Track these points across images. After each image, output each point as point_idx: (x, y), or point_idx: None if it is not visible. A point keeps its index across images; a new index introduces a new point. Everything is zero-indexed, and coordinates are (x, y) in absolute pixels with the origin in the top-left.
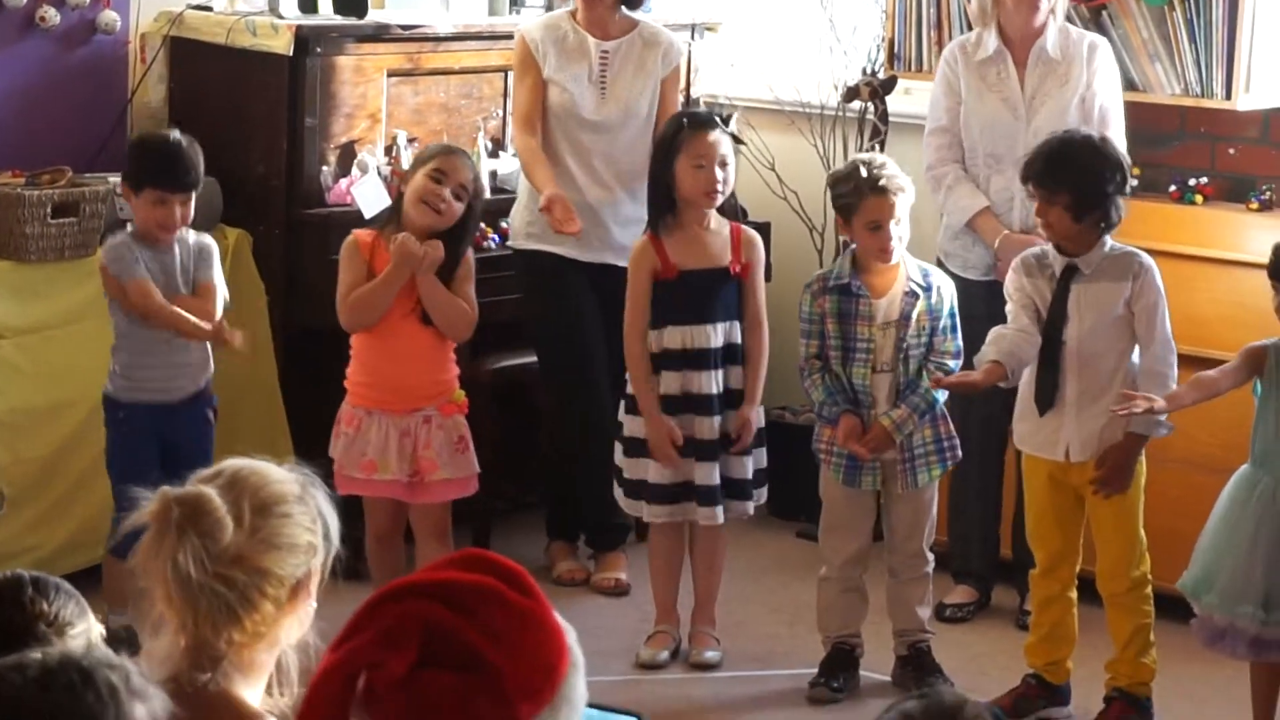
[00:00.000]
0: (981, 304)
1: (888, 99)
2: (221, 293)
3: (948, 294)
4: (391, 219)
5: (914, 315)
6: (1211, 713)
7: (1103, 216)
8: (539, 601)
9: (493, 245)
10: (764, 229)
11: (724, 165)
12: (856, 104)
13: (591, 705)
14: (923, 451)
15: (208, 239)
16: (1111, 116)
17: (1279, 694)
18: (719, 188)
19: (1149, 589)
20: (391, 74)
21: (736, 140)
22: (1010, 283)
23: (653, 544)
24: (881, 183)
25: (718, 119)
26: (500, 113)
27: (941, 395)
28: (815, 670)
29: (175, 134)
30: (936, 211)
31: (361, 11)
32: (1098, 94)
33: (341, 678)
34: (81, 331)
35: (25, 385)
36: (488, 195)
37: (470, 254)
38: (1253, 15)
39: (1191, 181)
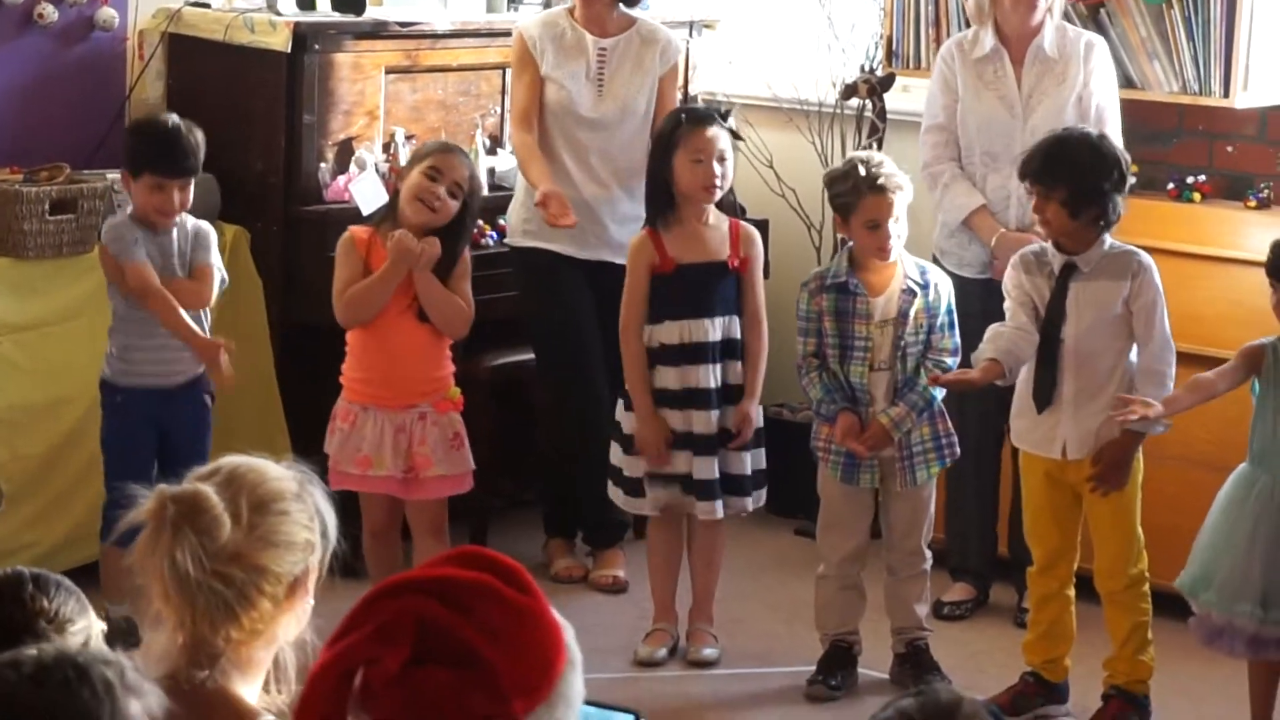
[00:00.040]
0: (977, 302)
1: (886, 96)
2: (219, 274)
3: (945, 291)
4: (388, 216)
5: (911, 313)
6: (1209, 711)
7: (1100, 213)
8: (536, 599)
9: (491, 242)
10: (762, 226)
11: (722, 160)
12: (854, 101)
13: (589, 702)
14: (921, 449)
15: (205, 224)
16: (1108, 116)
17: (1276, 692)
18: (717, 182)
19: (1146, 587)
20: (389, 71)
21: (735, 135)
22: (1009, 280)
23: (651, 541)
24: (880, 181)
25: (716, 114)
26: (498, 110)
27: (939, 393)
28: (813, 668)
29: (173, 119)
30: (933, 209)
31: (359, 8)
32: (1094, 93)
33: (338, 674)
34: (79, 328)
35: (23, 382)
36: (485, 193)
37: (467, 251)
38: (1250, 13)
39: (1189, 179)
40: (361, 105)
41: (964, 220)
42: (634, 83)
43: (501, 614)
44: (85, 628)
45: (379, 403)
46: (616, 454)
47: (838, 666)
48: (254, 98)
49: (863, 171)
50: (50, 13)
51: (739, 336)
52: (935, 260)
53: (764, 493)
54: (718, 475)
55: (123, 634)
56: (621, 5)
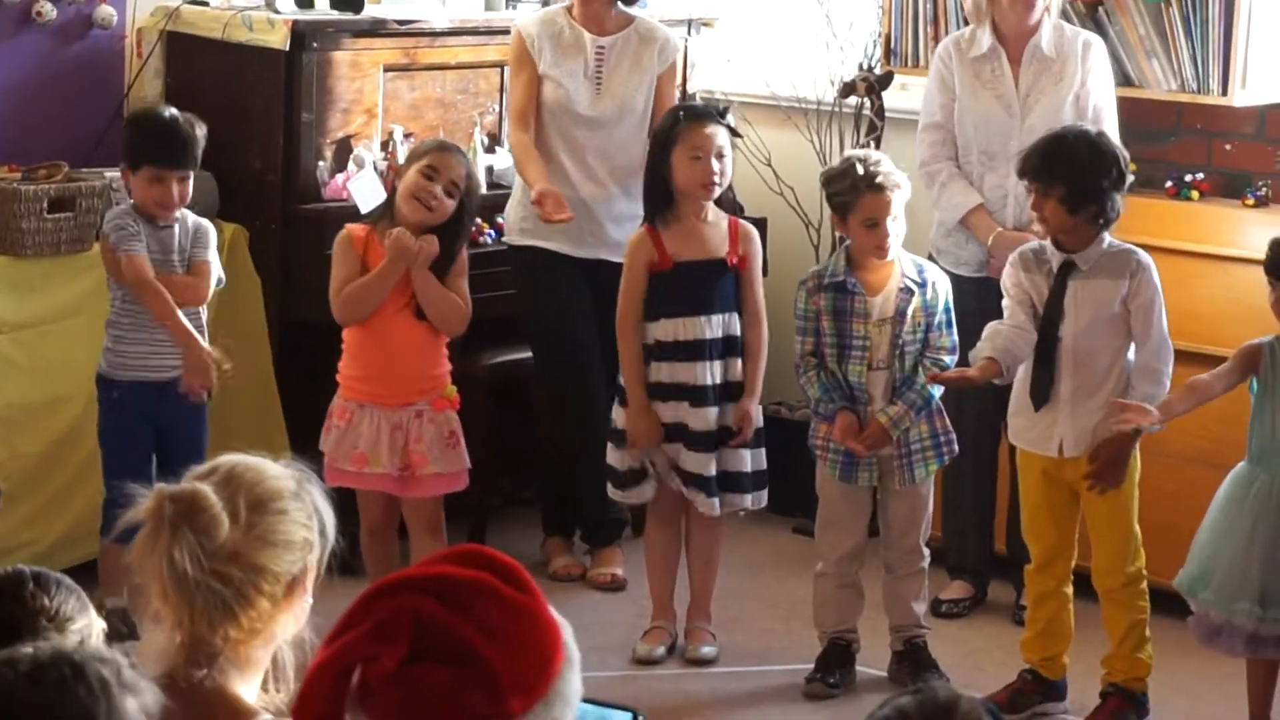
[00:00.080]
0: (974, 300)
1: (884, 94)
2: (216, 272)
3: (943, 290)
4: (385, 214)
5: (909, 311)
6: (1207, 708)
7: (1099, 211)
8: (534, 597)
9: (489, 241)
10: (760, 224)
11: (721, 157)
12: (853, 99)
13: (587, 700)
14: (919, 447)
15: (206, 222)
16: (1105, 115)
17: (1274, 689)
18: (716, 179)
19: (1144, 584)
20: (388, 69)
21: (734, 133)
22: (1007, 277)
23: (649, 539)
24: (878, 180)
25: (715, 111)
26: (496, 108)
27: (937, 390)
28: (811, 666)
29: (171, 111)
30: (930, 208)
31: (358, 6)
32: (1092, 92)
33: (335, 672)
34: (78, 326)
35: (21, 380)
36: (483, 191)
37: (464, 249)
38: (1249, 11)
39: (1188, 177)
40: (360, 103)
41: (961, 219)
42: (632, 81)
43: (499, 612)
44: (86, 626)
45: (376, 400)
46: (611, 453)
47: (836, 664)
48: (252, 96)
49: (861, 170)
50: (49, 10)
51: (739, 334)
52: (932, 259)
53: (765, 494)
54: (714, 472)
55: (118, 627)
56: (620, 3)
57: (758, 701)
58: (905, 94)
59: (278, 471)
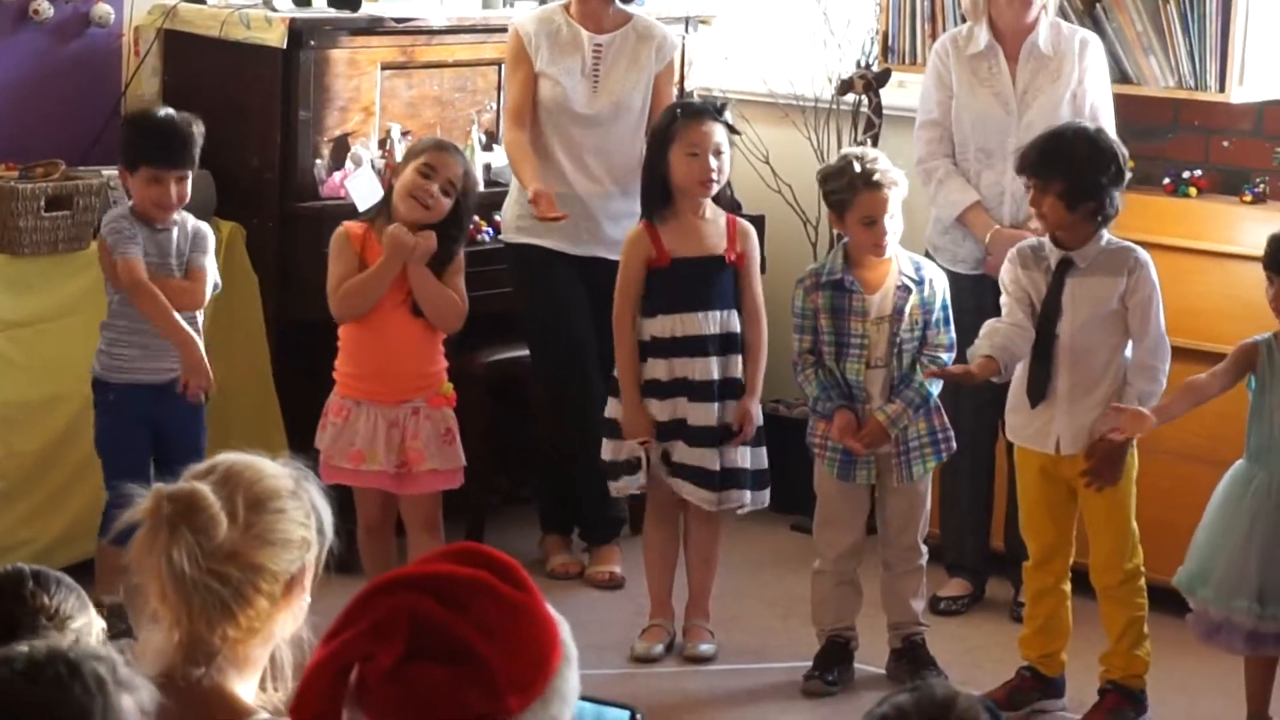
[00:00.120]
0: (970, 298)
1: (881, 92)
2: (213, 278)
3: (940, 287)
4: (382, 212)
5: (907, 309)
6: (1205, 705)
7: (1098, 207)
8: (532, 595)
9: (486, 239)
10: (758, 222)
11: (718, 154)
12: (850, 97)
13: (585, 698)
14: (918, 444)
15: (205, 226)
16: (1102, 114)
17: (1272, 686)
18: (713, 177)
19: (1142, 581)
20: (385, 67)
21: (732, 130)
22: (1005, 274)
23: (647, 537)
24: (875, 177)
25: (713, 109)
26: (494, 106)
27: (935, 388)
28: (810, 663)
29: (168, 110)
30: (927, 205)
31: (355, 4)
32: (1089, 91)
33: (333, 671)
34: (75, 324)
35: (19, 378)
36: (481, 189)
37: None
38: (1246, 8)
39: (1185, 174)
40: (357, 101)
41: (958, 216)
42: (629, 79)
43: (497, 611)
44: (85, 624)
45: (372, 397)
46: (605, 444)
47: (834, 662)
48: (249, 94)
49: (858, 168)
50: (46, 9)
51: (738, 330)
52: (928, 256)
53: (767, 493)
54: (718, 467)
55: (116, 623)
56: (618, 1)
57: (756, 699)
58: (903, 91)
59: (276, 470)
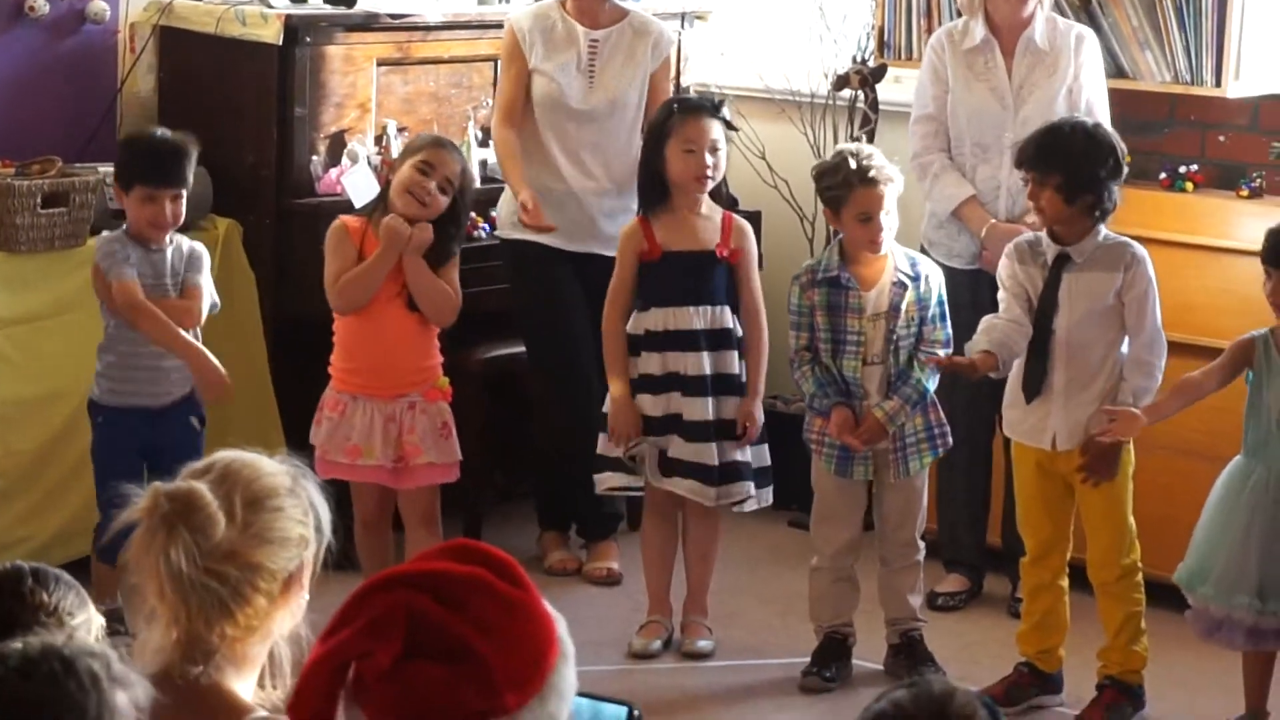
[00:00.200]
0: (966, 293)
1: (878, 87)
2: (210, 297)
3: (936, 283)
4: (379, 207)
5: (903, 306)
6: (1203, 700)
7: (1096, 201)
8: (529, 592)
9: (483, 235)
10: (755, 218)
11: (714, 151)
12: (846, 92)
13: (583, 695)
14: (914, 440)
15: (200, 246)
16: (1098, 109)
17: (1270, 681)
18: (709, 173)
19: (1139, 577)
20: (381, 63)
21: (730, 126)
22: (1003, 270)
23: (645, 534)
24: (871, 174)
25: (710, 105)
26: (490, 102)
27: (932, 384)
28: (808, 660)
29: (163, 131)
30: (922, 200)
31: (350, 1)
32: (1084, 86)
33: (330, 669)
34: (72, 322)
35: (16, 376)
36: (477, 185)
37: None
38: (1242, 3)
39: (1182, 169)
40: (353, 98)
41: (954, 211)
42: (625, 75)
43: (494, 608)
44: (85, 621)
45: (368, 392)
46: (601, 440)
47: (832, 658)
48: (245, 90)
49: (853, 164)
50: (41, 5)
51: (730, 326)
52: (924, 251)
53: (769, 491)
54: (716, 462)
55: (115, 625)
56: None
57: (754, 695)
58: (899, 86)
59: (273, 468)
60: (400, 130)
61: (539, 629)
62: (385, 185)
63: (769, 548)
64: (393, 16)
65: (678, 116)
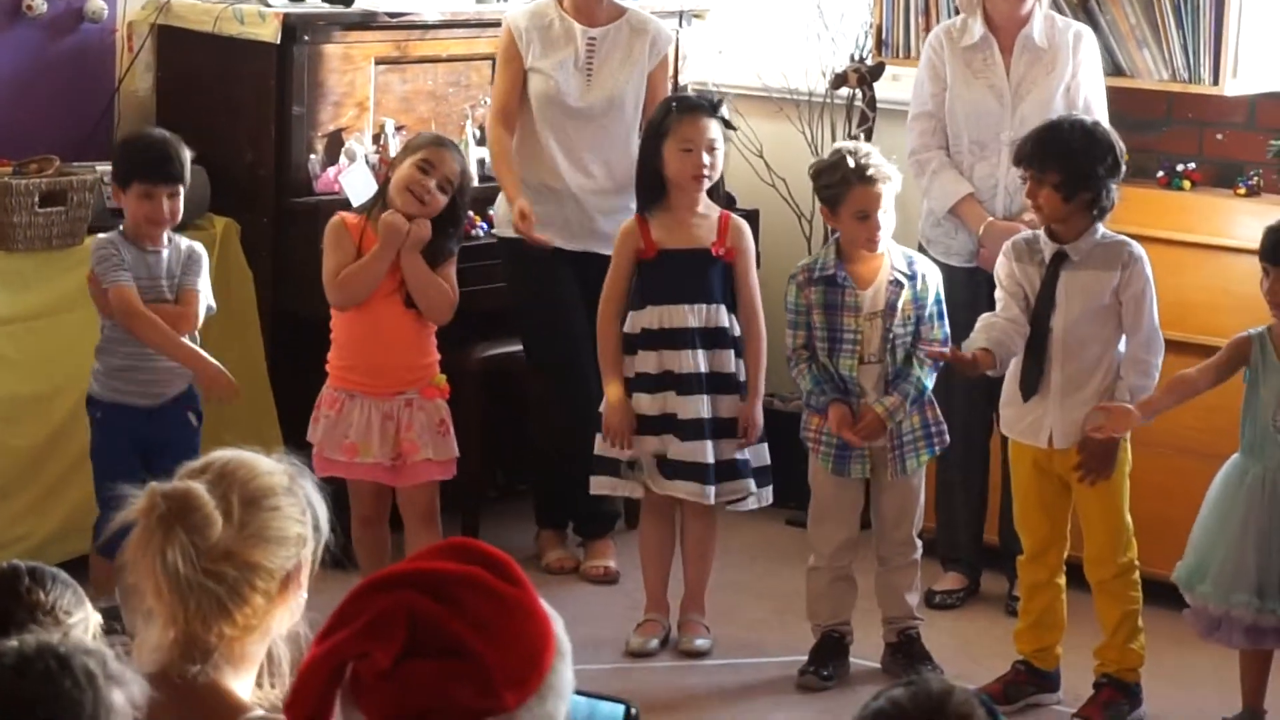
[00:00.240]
0: (964, 290)
1: (876, 86)
2: (206, 300)
3: (933, 282)
4: (377, 205)
5: (899, 305)
6: (1200, 698)
7: (1094, 199)
8: (525, 590)
9: (481, 233)
10: (752, 216)
11: (712, 150)
12: (844, 91)
13: (581, 693)
14: (911, 438)
15: (199, 247)
16: (1096, 108)
17: (1267, 679)
18: (706, 172)
19: (1136, 575)
20: (379, 62)
21: (728, 125)
22: (1000, 268)
23: (643, 532)
24: (870, 172)
25: (708, 104)
26: (488, 101)
27: (930, 381)
28: (805, 658)
29: (160, 130)
30: (920, 197)
31: None
32: (1082, 84)
33: (328, 669)
34: (70, 320)
35: (14, 374)
36: (475, 183)
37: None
38: (1240, 1)
39: (1179, 167)
40: (351, 96)
41: (951, 208)
42: (622, 73)
43: (490, 606)
44: (82, 620)
45: (365, 390)
46: (599, 442)
47: (829, 656)
48: (243, 89)
49: (851, 163)
50: (39, 4)
51: (726, 325)
52: (921, 249)
53: (769, 490)
54: (712, 460)
55: (112, 624)
56: None
57: (751, 694)
58: (897, 85)
59: (270, 467)
60: (398, 129)
61: (536, 627)
62: (383, 183)
63: (766, 546)
64: (391, 15)
65: (675, 115)
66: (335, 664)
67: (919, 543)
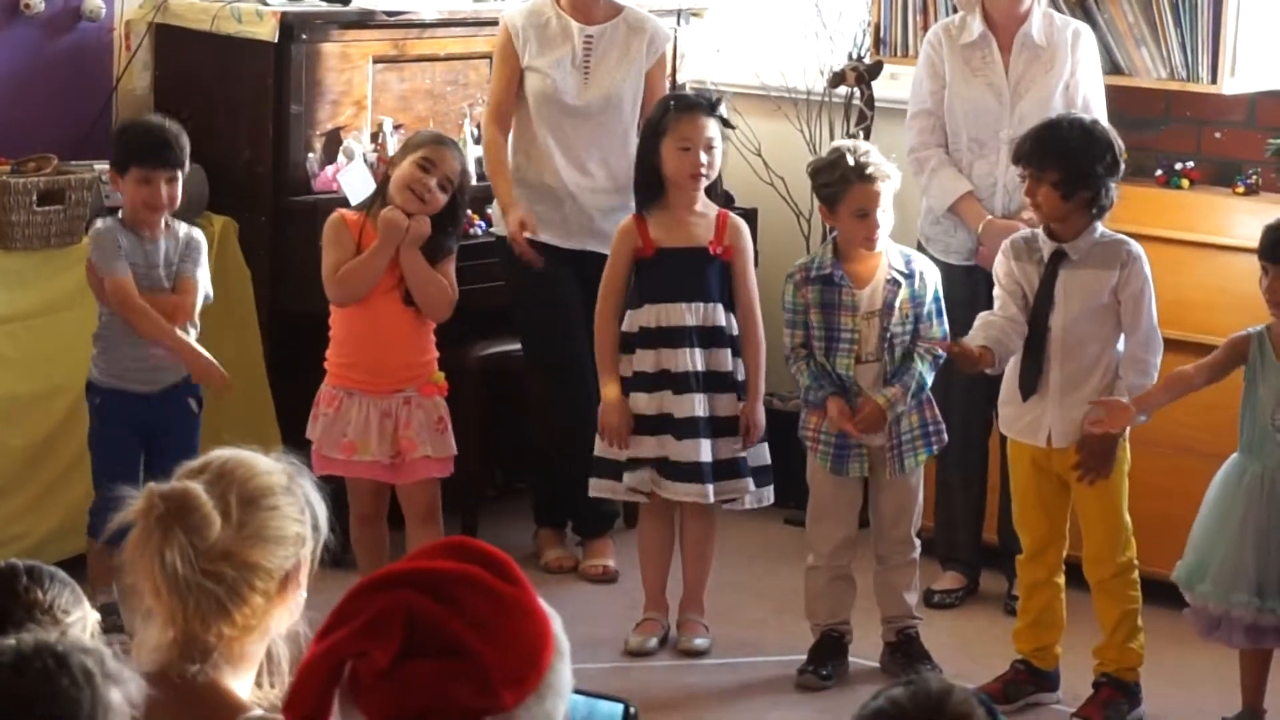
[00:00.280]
0: (962, 289)
1: (874, 84)
2: (204, 289)
3: (931, 280)
4: (376, 203)
5: (897, 303)
6: (1199, 697)
7: (1093, 197)
8: (524, 589)
9: (479, 232)
10: (751, 215)
11: (710, 149)
12: (843, 89)
13: (580, 692)
14: (909, 437)
15: (198, 234)
16: (1094, 106)
17: (1267, 678)
18: (704, 170)
19: (1135, 574)
20: (377, 60)
21: (726, 124)
22: (999, 267)
23: (642, 531)
24: (869, 171)
25: (706, 102)
26: (486, 99)
27: (929, 379)
28: (804, 657)
29: (159, 117)
30: (918, 195)
31: None
32: (1081, 83)
33: (326, 669)
34: (68, 319)
35: (12, 373)
36: (474, 182)
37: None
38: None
39: (1178, 166)
40: (349, 95)
41: (950, 206)
42: (620, 71)
43: (489, 605)
44: (80, 619)
45: (364, 387)
46: (598, 442)
47: (828, 656)
48: (241, 88)
49: (850, 161)
50: (37, 3)
51: (723, 324)
52: (920, 247)
53: (769, 490)
54: (709, 459)
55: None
56: None
57: (750, 693)
58: (895, 83)
59: (269, 466)
60: (396, 127)
61: (534, 626)
62: (382, 181)
63: (765, 545)
64: (388, 14)
65: (673, 114)
66: (334, 663)
67: (917, 542)
